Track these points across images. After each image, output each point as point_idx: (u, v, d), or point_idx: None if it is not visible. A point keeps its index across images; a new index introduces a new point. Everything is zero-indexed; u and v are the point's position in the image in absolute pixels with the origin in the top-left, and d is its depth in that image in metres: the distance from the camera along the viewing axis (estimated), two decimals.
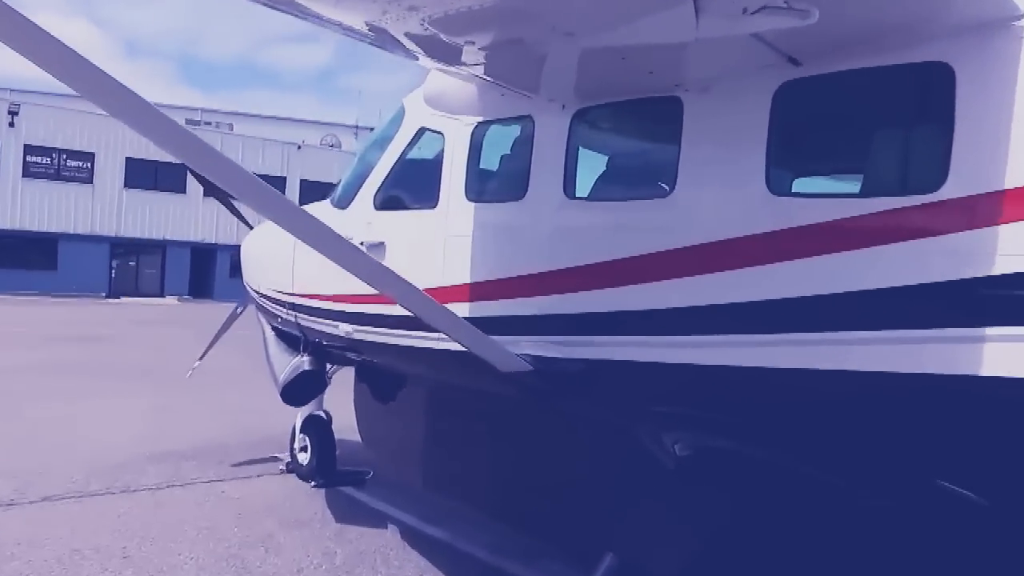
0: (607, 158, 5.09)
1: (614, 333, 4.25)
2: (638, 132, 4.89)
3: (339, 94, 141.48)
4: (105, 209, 42.73)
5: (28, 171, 40.83)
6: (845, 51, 3.56)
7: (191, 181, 44.76)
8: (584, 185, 4.73)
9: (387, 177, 5.79)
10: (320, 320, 6.52)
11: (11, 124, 40.21)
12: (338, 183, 6.81)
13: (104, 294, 41.87)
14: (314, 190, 48.48)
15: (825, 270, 3.56)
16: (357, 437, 7.32)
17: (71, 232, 41.58)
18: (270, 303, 7.66)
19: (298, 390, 7.19)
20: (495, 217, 4.93)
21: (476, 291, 4.83)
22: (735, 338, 3.80)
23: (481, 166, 5.26)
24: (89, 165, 42.27)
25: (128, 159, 42.82)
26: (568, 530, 5.14)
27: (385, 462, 7.29)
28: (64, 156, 41.70)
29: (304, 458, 8.54)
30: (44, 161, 41.34)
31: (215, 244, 45.84)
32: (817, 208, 3.65)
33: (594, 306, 4.31)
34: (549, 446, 5.12)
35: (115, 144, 42.32)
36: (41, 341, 20.61)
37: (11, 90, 46.37)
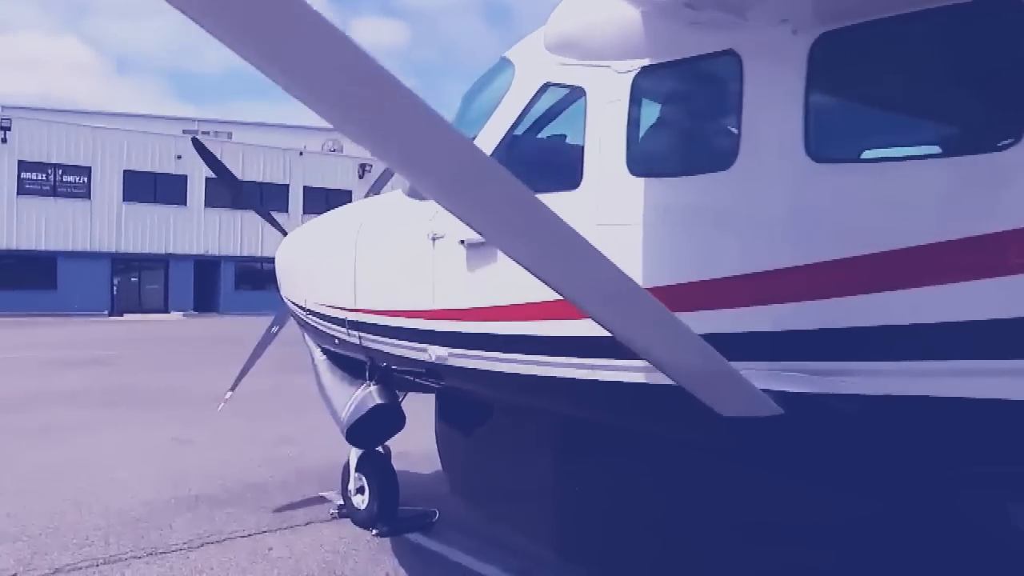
0: (880, 100, 3.59)
1: (936, 356, 2.87)
2: (940, 58, 3.32)
3: None
4: (104, 224, 41.34)
5: (23, 188, 39.42)
6: None
7: (192, 192, 43.69)
8: (841, 141, 3.36)
9: (493, 154, 4.40)
10: (397, 342, 5.16)
11: (3, 140, 38.82)
12: None
13: (106, 312, 40.50)
14: (317, 196, 47.31)
15: None
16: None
17: (70, 249, 40.21)
18: (321, 321, 6.29)
19: (369, 429, 5.84)
20: (682, 195, 3.56)
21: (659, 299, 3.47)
22: None
23: (649, 127, 3.90)
24: (86, 179, 40.89)
25: (126, 171, 41.51)
26: None
27: (479, 507, 5.86)
28: (59, 171, 40.31)
29: (361, 501, 7.25)
30: (39, 177, 39.95)
31: (219, 256, 44.64)
32: None
33: (891, 315, 2.94)
34: (716, 498, 3.80)
35: (112, 157, 41.02)
36: (41, 366, 19.24)
37: (1, 106, 45.04)
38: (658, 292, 3.47)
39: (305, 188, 47.02)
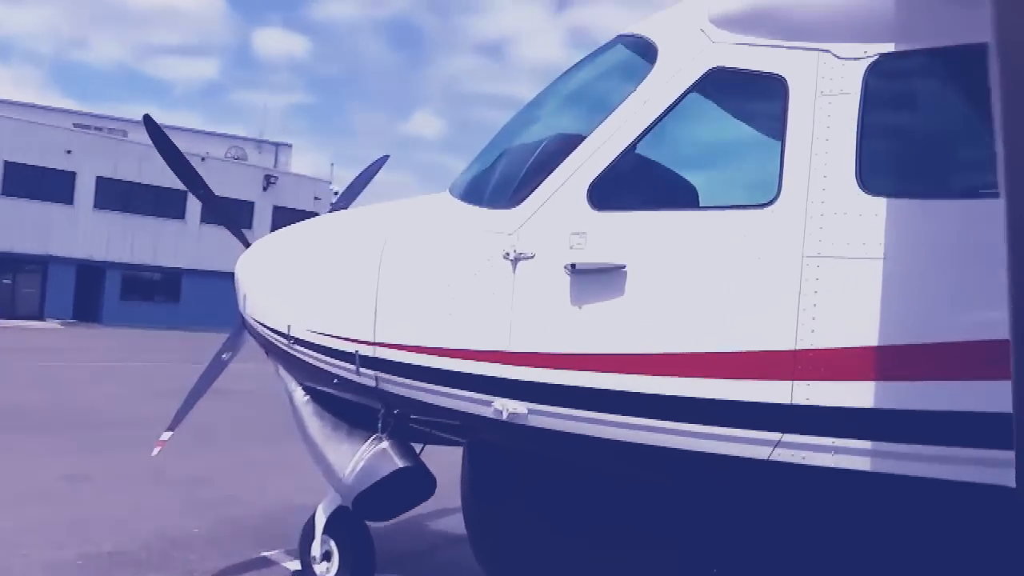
0: None
1: None
2: None
3: (230, 110, 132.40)
4: None
5: None
6: None
7: (80, 190, 40.41)
8: None
9: (626, 153, 3.35)
10: (440, 388, 3.98)
11: None
12: (474, 167, 4.29)
13: None
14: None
15: None
16: None
17: None
18: (314, 354, 5.01)
19: (386, 496, 4.59)
20: (962, 222, 2.63)
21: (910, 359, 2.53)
22: None
23: (895, 133, 2.98)
24: None
25: (7, 163, 37.94)
26: None
27: None
28: None
29: (326, 569, 5.99)
30: None
31: (105, 262, 41.46)
32: None
33: None
34: None
35: None
36: None
37: None
38: (907, 351, 2.53)
39: None
